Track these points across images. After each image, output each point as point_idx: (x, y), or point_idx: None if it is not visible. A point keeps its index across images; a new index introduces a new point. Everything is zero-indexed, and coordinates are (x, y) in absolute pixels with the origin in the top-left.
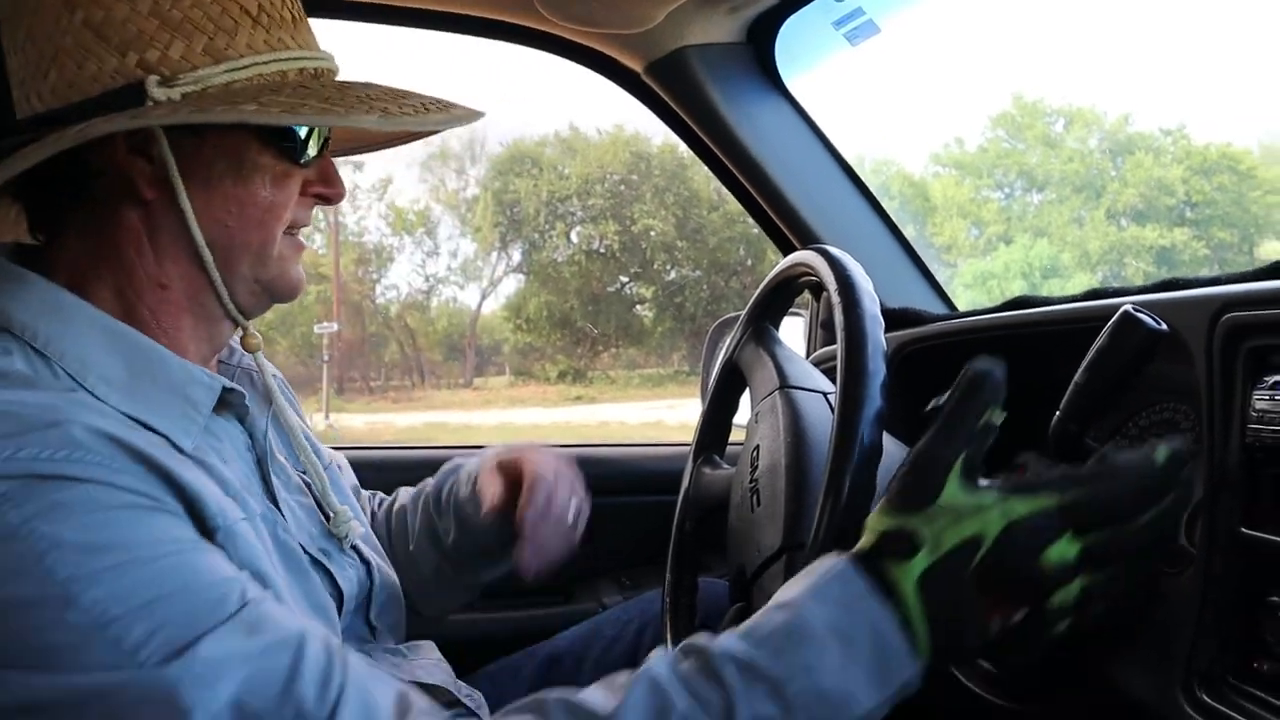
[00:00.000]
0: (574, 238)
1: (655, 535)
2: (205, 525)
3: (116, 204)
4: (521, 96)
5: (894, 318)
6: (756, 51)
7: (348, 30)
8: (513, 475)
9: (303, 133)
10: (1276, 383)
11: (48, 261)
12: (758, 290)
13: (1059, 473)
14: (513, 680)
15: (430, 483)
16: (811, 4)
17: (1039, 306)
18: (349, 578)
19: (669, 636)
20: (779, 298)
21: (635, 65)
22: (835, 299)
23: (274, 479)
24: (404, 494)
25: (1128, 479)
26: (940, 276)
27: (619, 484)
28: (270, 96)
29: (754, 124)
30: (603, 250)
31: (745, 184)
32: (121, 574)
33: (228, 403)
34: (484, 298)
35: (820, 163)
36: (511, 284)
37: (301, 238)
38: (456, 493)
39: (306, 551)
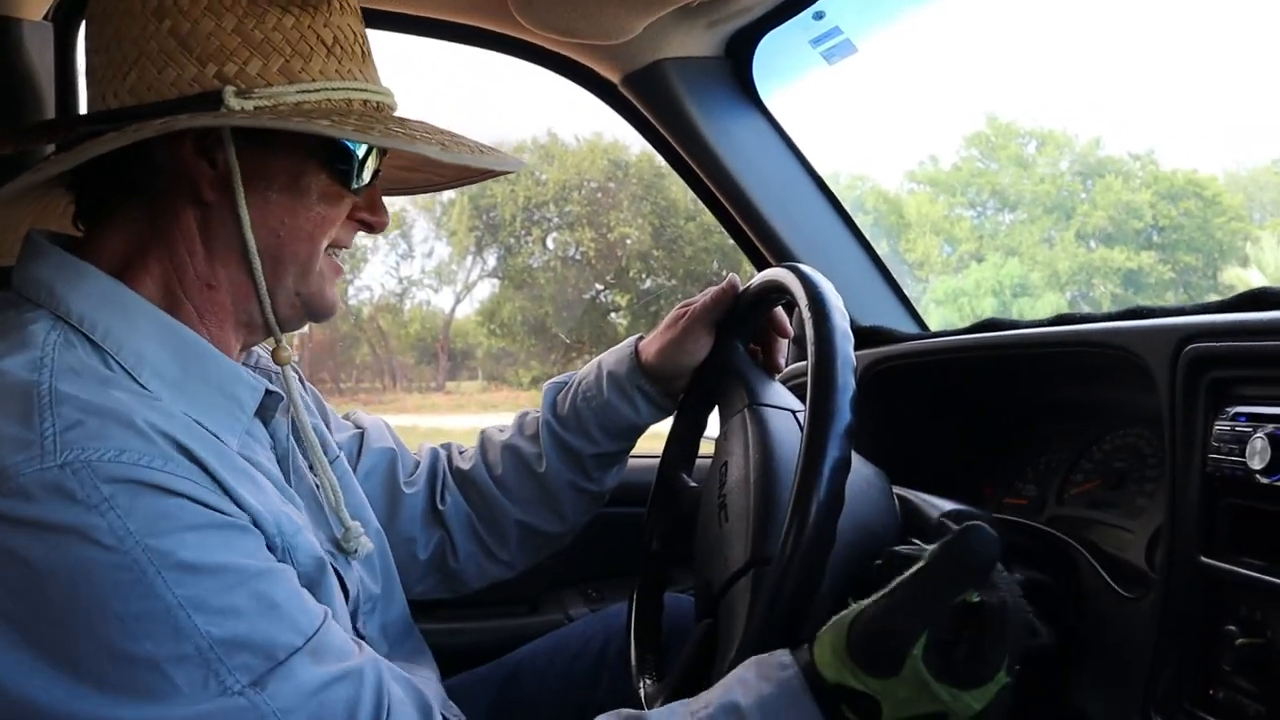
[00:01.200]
0: (550, 244)
1: (623, 548)
2: (269, 541)
3: (175, 202)
4: (500, 102)
5: (865, 335)
6: (734, 66)
7: None
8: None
9: (359, 160)
10: (1237, 414)
11: (91, 252)
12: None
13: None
14: (478, 692)
15: (532, 415)
16: (790, 22)
17: (1008, 330)
18: (354, 579)
19: (633, 654)
20: (751, 314)
21: (612, 76)
22: (806, 315)
23: (292, 480)
24: (496, 433)
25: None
26: (912, 292)
27: None
28: (340, 118)
29: (730, 138)
30: (578, 257)
31: (720, 198)
32: (223, 596)
33: (263, 405)
34: (458, 301)
35: (795, 179)
36: (486, 289)
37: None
38: (589, 395)
39: (325, 553)
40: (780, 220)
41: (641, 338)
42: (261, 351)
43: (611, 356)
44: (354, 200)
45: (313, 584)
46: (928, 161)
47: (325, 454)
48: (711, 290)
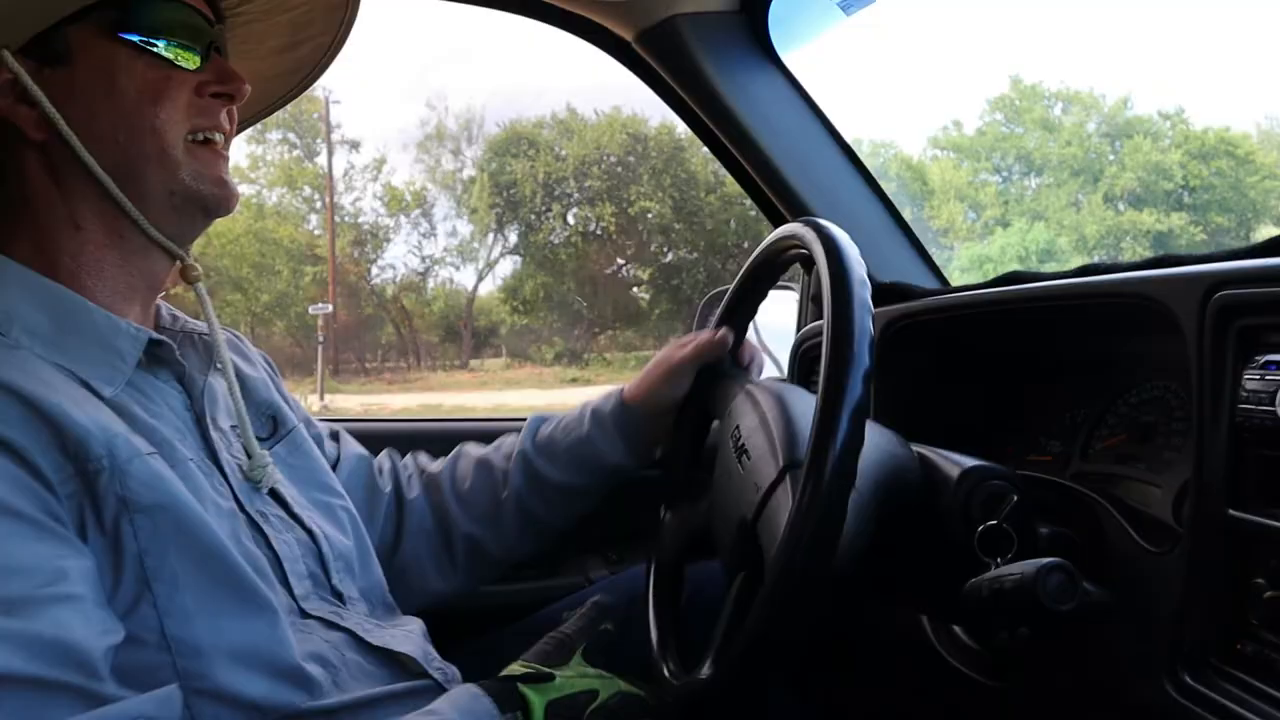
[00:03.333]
0: (571, 219)
1: (642, 512)
2: (83, 465)
3: (14, 156)
4: (520, 77)
5: (885, 291)
6: (750, 21)
7: None
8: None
9: (163, 30)
10: (1267, 362)
11: None
12: (748, 262)
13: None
14: (494, 654)
15: (510, 439)
16: None
17: (1031, 282)
18: (287, 541)
19: (653, 622)
20: (768, 270)
21: (625, 33)
22: (824, 274)
23: (214, 438)
24: (474, 448)
25: None
26: (937, 260)
27: None
28: None
29: (747, 95)
30: (599, 232)
31: (738, 156)
32: None
33: (160, 359)
34: (480, 279)
35: (814, 136)
36: (508, 266)
37: (219, 144)
38: (570, 428)
39: (245, 511)
40: (799, 177)
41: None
42: (189, 320)
43: (598, 398)
44: (196, 79)
45: (155, 508)
46: (951, 127)
47: (278, 421)
48: (703, 336)
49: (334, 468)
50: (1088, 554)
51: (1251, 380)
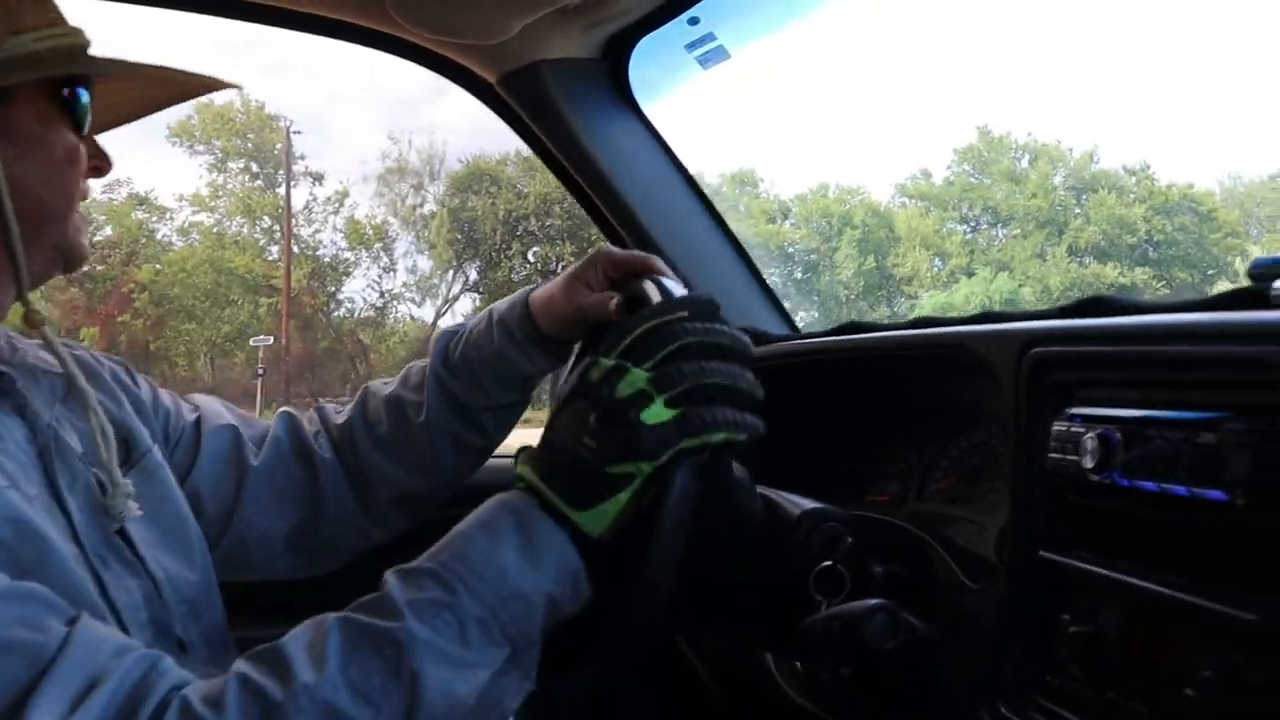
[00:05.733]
0: (531, 257)
1: None
2: None
3: None
4: (485, 111)
5: None
6: (611, 69)
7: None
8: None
9: (86, 103)
10: (1074, 415)
11: None
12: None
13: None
14: None
15: (418, 366)
16: (666, 26)
17: (870, 332)
18: (128, 588)
19: None
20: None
21: (489, 76)
22: None
23: (59, 474)
24: (380, 386)
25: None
26: (900, 308)
27: None
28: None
29: (606, 141)
30: (558, 271)
31: (597, 202)
32: None
33: (3, 391)
34: (439, 316)
35: (670, 184)
36: (467, 303)
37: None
38: (480, 344)
39: (85, 554)
40: (654, 225)
41: (536, 286)
42: (33, 350)
43: (503, 304)
44: (87, 147)
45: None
46: (919, 176)
47: (130, 445)
48: (621, 252)
49: (195, 460)
50: (918, 591)
51: (1061, 430)
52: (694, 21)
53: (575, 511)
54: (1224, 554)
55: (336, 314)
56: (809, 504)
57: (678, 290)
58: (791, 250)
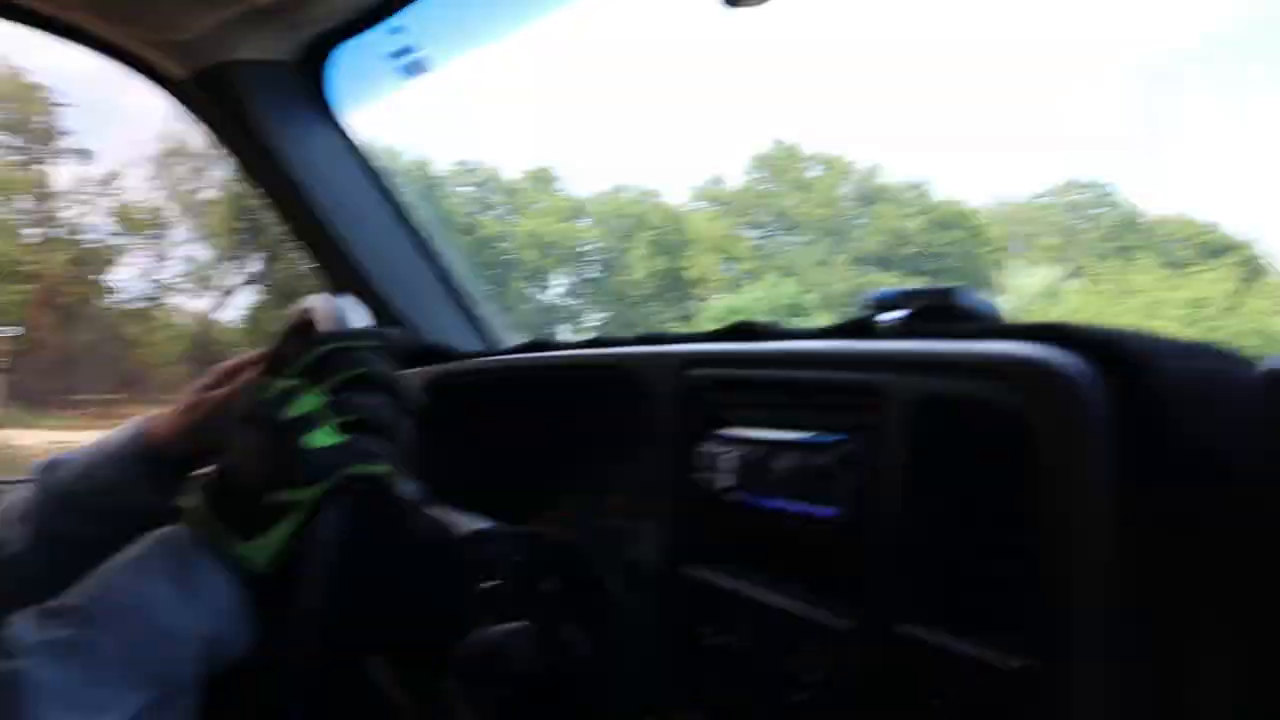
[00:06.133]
0: None
1: None
2: None
3: None
4: None
5: (426, 352)
6: (309, 74)
7: None
8: None
9: None
10: (720, 436)
11: None
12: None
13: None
14: None
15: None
16: (367, 34)
17: (550, 350)
18: None
19: None
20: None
21: (180, 73)
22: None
23: None
24: None
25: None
26: (689, 309)
27: None
28: None
29: (300, 147)
30: None
31: (289, 210)
32: None
33: None
34: (216, 308)
35: (366, 195)
36: (248, 296)
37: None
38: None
39: None
40: (347, 237)
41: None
42: None
43: (116, 435)
44: None
45: None
46: (714, 180)
47: None
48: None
49: None
50: (585, 607)
51: (707, 451)
52: (396, 31)
53: (241, 543)
54: (834, 567)
55: (101, 304)
56: (479, 523)
57: (353, 314)
58: (585, 250)
